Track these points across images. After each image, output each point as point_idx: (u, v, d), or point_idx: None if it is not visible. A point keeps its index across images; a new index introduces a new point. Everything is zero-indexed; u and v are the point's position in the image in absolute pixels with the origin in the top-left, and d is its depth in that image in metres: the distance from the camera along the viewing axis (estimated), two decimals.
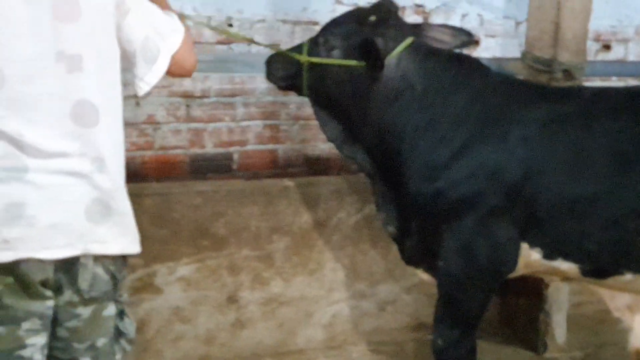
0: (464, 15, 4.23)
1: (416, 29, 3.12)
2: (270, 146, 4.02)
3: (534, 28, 3.68)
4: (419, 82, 2.98)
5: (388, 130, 3.02)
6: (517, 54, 3.94)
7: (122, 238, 2.21)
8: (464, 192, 2.88)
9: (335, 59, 3.02)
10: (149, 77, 2.24)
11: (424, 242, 3.07)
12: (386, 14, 3.04)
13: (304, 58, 3.06)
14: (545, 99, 2.97)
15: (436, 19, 4.11)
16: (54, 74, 2.06)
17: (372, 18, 3.01)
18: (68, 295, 2.16)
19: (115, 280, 2.24)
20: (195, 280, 3.71)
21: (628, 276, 2.88)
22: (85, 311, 2.20)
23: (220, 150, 3.93)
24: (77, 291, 2.16)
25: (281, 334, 3.91)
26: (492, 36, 4.31)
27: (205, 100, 3.84)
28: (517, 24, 4.35)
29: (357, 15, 3.07)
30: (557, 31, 3.55)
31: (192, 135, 3.88)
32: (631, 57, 4.64)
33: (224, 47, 3.84)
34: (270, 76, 3.23)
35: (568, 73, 3.52)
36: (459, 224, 2.91)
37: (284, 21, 3.89)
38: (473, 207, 2.88)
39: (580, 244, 2.86)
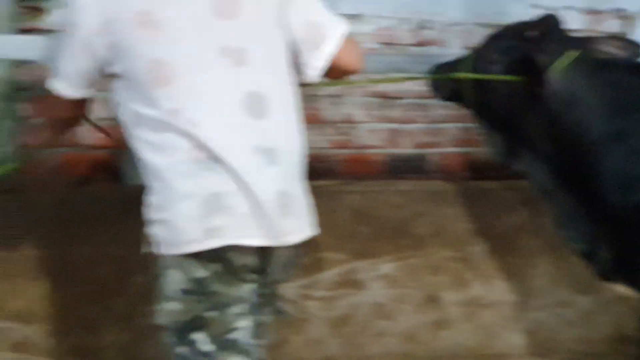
0: None
1: (582, 42, 3.04)
2: (465, 149, 4.03)
3: None
4: (592, 94, 2.90)
5: (566, 144, 2.95)
6: None
7: (304, 225, 2.30)
8: None
9: (495, 75, 2.99)
10: (317, 62, 2.31)
11: (626, 256, 2.95)
12: (549, 28, 3.00)
13: (462, 75, 3.04)
14: None
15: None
16: (221, 68, 2.15)
17: (534, 33, 2.97)
18: (259, 276, 2.28)
19: (298, 263, 2.38)
20: (396, 278, 3.74)
21: None
22: (265, 290, 2.35)
23: (415, 151, 3.97)
24: (266, 274, 2.29)
25: (481, 337, 3.86)
26: None
27: (401, 101, 3.91)
28: None
29: (518, 30, 3.03)
30: None
31: (387, 135, 3.94)
32: None
33: (419, 48, 3.90)
34: (433, 90, 3.23)
35: None
36: None
37: (479, 24, 3.93)
38: None
39: None
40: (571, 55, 2.91)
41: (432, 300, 3.78)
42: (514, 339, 3.90)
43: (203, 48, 2.14)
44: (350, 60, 2.37)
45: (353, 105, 3.81)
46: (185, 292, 2.19)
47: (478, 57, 3.08)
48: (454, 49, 3.93)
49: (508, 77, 2.95)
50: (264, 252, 2.22)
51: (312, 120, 3.76)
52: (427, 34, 3.89)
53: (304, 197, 2.31)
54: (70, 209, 3.22)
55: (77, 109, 2.46)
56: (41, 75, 3.38)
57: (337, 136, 3.82)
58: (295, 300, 3.59)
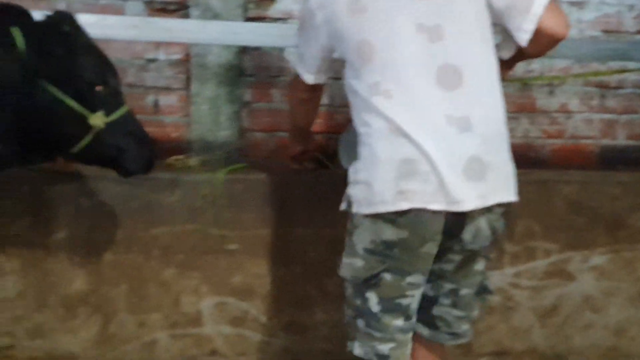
0: None
1: None
2: None
3: None
4: None
5: None
6: None
7: (498, 190, 2.32)
8: None
9: None
10: (526, 24, 2.34)
11: None
12: None
13: None
14: None
15: None
16: (416, 43, 2.29)
17: None
18: (450, 242, 2.36)
19: (495, 234, 2.39)
20: (609, 270, 3.66)
21: None
22: (458, 258, 2.40)
23: (633, 142, 3.85)
24: (459, 241, 2.35)
25: None
26: None
27: (621, 91, 3.79)
28: None
29: None
30: None
31: (603, 125, 3.84)
32: None
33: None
34: None
35: None
36: None
37: None
38: None
39: None
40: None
41: None
42: None
43: (398, 26, 2.30)
44: (556, 25, 2.38)
45: (569, 94, 3.74)
46: (370, 251, 2.35)
47: None
48: None
49: None
50: (454, 218, 2.31)
51: (527, 109, 3.74)
52: None
53: (503, 163, 2.35)
54: (289, 192, 3.37)
55: (314, 93, 2.75)
56: (265, 61, 3.57)
57: (551, 126, 3.76)
58: (503, 288, 3.61)
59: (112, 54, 2.70)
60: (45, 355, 3.28)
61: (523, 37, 2.38)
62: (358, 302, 2.43)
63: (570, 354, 3.71)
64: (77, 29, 2.56)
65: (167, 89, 3.40)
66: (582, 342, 3.70)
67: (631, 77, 3.80)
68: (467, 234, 2.35)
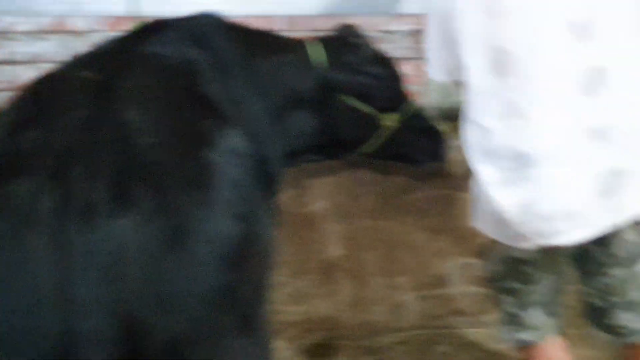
0: None
1: None
2: None
3: None
4: None
5: None
6: None
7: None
8: None
9: None
10: None
11: None
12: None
13: None
14: None
15: None
16: (563, 44, 2.04)
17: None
18: (599, 257, 2.23)
19: None
20: None
21: None
22: (619, 271, 2.23)
23: None
24: (609, 255, 2.21)
25: None
26: None
27: None
28: None
29: None
30: None
31: None
32: None
33: None
34: None
35: None
36: None
37: None
38: None
39: None
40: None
41: None
42: None
43: (546, 22, 2.06)
44: None
45: None
46: (502, 261, 2.32)
47: None
48: None
49: None
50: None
51: None
52: None
53: None
54: None
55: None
56: None
57: None
58: None
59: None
60: (304, 319, 3.42)
61: None
62: (500, 302, 2.42)
63: None
64: (363, 39, 2.72)
65: (405, 59, 3.45)
66: None
67: None
68: (614, 248, 2.21)
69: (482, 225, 2.25)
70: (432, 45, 2.30)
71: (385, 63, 2.74)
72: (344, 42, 2.66)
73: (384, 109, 2.67)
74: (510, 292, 2.35)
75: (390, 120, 2.68)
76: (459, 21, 2.15)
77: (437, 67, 2.30)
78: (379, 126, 2.67)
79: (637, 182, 2.09)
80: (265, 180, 2.17)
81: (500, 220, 2.15)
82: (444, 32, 2.22)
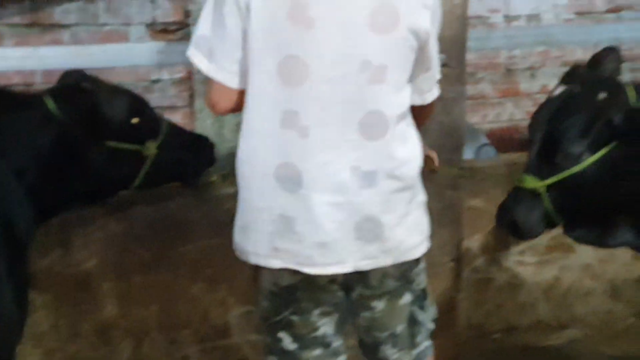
0: None
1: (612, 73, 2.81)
2: None
3: None
4: None
5: None
6: None
7: (396, 250, 2.18)
8: None
9: (596, 155, 2.62)
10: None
11: None
12: (610, 83, 2.73)
13: (540, 184, 2.66)
14: None
15: None
16: (355, 82, 2.05)
17: (602, 95, 2.65)
18: (359, 290, 2.25)
19: (406, 276, 2.27)
20: None
21: None
22: (379, 304, 2.27)
23: None
24: (368, 287, 2.24)
25: None
26: None
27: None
28: None
29: (584, 102, 2.68)
30: None
31: None
32: None
33: (613, 15, 3.97)
34: (526, 235, 2.81)
35: None
36: None
37: None
38: None
39: None
40: (631, 88, 2.68)
41: (638, 258, 3.89)
42: None
43: (345, 58, 2.05)
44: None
45: (549, 76, 3.91)
46: (273, 294, 2.26)
47: (551, 162, 2.67)
48: None
49: (602, 152, 2.60)
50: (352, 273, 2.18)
51: (511, 93, 3.91)
52: (621, 0, 3.93)
53: (407, 220, 2.19)
54: None
55: None
56: None
57: (534, 107, 3.92)
58: (510, 267, 3.77)
59: (117, 79, 2.82)
60: None
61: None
62: (272, 344, 2.32)
63: (573, 321, 3.89)
64: (94, 81, 2.68)
65: (172, 108, 3.43)
66: (583, 309, 3.90)
67: None
68: (373, 280, 2.23)
69: (243, 242, 2.21)
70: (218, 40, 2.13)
71: (126, 96, 2.72)
72: (76, 89, 2.62)
73: (143, 140, 2.67)
74: (286, 326, 2.27)
75: (151, 149, 2.68)
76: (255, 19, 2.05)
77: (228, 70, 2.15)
78: (144, 157, 2.66)
79: (394, 231, 2.16)
80: (11, 245, 2.03)
81: (261, 232, 2.14)
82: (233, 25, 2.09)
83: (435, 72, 2.27)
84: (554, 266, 3.83)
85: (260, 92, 2.09)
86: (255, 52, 2.06)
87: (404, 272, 2.25)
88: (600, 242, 2.84)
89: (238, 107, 2.18)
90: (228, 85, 2.14)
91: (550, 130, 2.67)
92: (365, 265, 2.16)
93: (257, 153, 2.13)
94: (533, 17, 3.83)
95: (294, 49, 2.04)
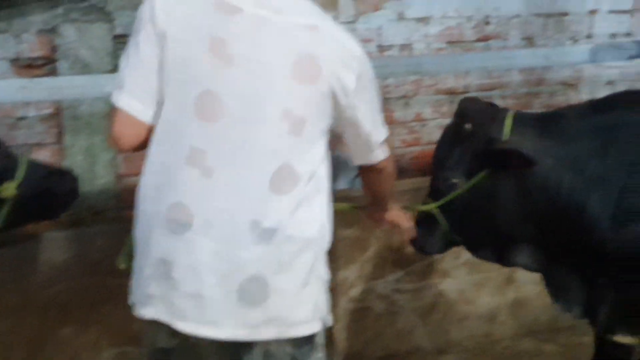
0: None
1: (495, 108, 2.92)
2: None
3: None
4: (551, 152, 2.73)
5: (550, 213, 2.75)
6: None
7: (282, 321, 1.99)
8: None
9: (468, 183, 2.79)
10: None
11: (628, 301, 2.80)
12: (476, 113, 2.85)
13: (433, 207, 2.85)
14: None
15: None
16: (273, 130, 1.96)
17: (468, 127, 2.81)
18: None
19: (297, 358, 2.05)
20: (478, 263, 3.93)
21: None
22: None
23: None
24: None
25: (554, 312, 4.07)
26: None
27: (467, 95, 4.07)
28: None
29: (451, 137, 2.88)
30: None
31: None
32: None
33: (482, 44, 4.06)
34: (424, 251, 3.08)
35: None
36: None
37: (537, 15, 4.09)
38: None
39: None
40: (510, 117, 2.80)
41: (510, 281, 3.99)
42: None
43: (265, 102, 1.96)
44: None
45: (423, 104, 3.97)
46: (150, 355, 2.12)
47: (436, 189, 2.89)
48: (513, 41, 4.09)
49: (474, 181, 2.78)
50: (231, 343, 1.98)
51: (385, 122, 3.93)
52: (489, 30, 4.02)
53: (301, 290, 2.01)
54: None
55: None
56: None
57: (409, 135, 3.98)
58: (387, 295, 3.80)
59: None
60: None
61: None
62: None
63: (450, 346, 3.95)
64: None
65: (40, 145, 3.31)
66: (460, 333, 3.96)
67: (475, 82, 4.07)
68: (255, 356, 2.02)
69: (131, 286, 2.05)
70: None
71: None
72: None
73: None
74: None
75: (10, 189, 2.55)
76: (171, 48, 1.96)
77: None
78: (2, 200, 2.55)
79: (281, 299, 1.97)
80: None
81: (140, 276, 2.00)
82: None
83: (372, 133, 2.20)
84: (431, 292, 3.87)
85: (171, 124, 1.96)
86: (171, 83, 1.96)
87: (291, 355, 2.02)
88: (500, 261, 3.00)
89: (144, 144, 2.02)
90: (138, 118, 1.99)
91: (435, 159, 2.92)
92: (243, 335, 1.95)
93: (153, 189, 1.99)
94: (405, 47, 3.85)
95: (212, 84, 1.95)
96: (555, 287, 2.96)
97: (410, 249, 3.69)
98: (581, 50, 3.85)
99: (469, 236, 2.94)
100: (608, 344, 3.01)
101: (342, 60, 2.03)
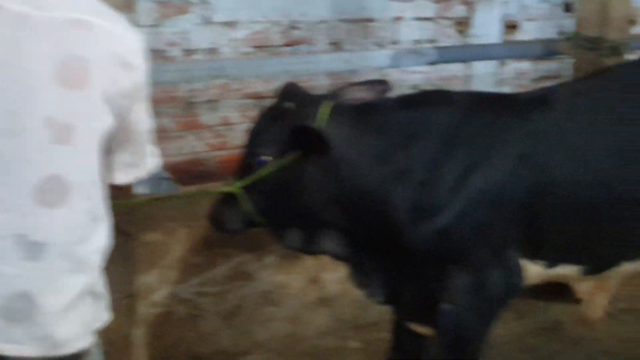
0: (505, 2, 4.56)
1: (331, 97, 2.95)
2: None
3: (583, 10, 4.04)
4: (359, 140, 2.81)
5: (356, 200, 2.83)
6: (552, 35, 4.30)
7: (45, 340, 1.90)
8: (470, 225, 2.75)
9: (271, 166, 2.80)
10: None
11: (424, 292, 2.92)
12: (297, 96, 2.89)
13: (235, 188, 2.85)
14: (524, 110, 2.87)
15: (481, 8, 4.44)
16: (33, 140, 1.84)
17: (289, 105, 2.84)
18: None
19: None
20: (282, 265, 4.01)
21: (625, 266, 2.94)
22: None
23: None
24: None
25: (357, 310, 4.21)
26: (531, 20, 4.66)
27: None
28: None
29: (271, 114, 2.90)
30: (605, 11, 3.88)
31: None
32: None
33: (289, 48, 4.12)
34: (221, 229, 3.05)
35: (615, 49, 3.84)
36: (468, 259, 2.78)
37: (343, 20, 4.17)
38: (483, 239, 2.77)
39: (586, 247, 2.84)
40: (327, 106, 2.82)
41: (314, 281, 4.07)
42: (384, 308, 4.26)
43: (26, 111, 1.83)
44: None
45: (229, 108, 3.98)
46: None
47: (247, 164, 2.88)
48: (321, 46, 4.16)
49: (285, 160, 2.79)
50: None
51: (191, 126, 3.94)
52: (296, 34, 4.07)
53: (73, 310, 1.93)
54: None
55: None
56: None
57: (215, 139, 3.99)
58: (190, 299, 3.80)
59: None
60: None
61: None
62: None
63: (255, 347, 4.00)
64: None
65: None
66: (264, 334, 4.01)
67: None
68: None
69: None
70: None
71: None
72: None
73: None
74: None
75: None
76: None
77: None
78: None
79: (47, 318, 1.88)
80: None
81: None
82: None
83: (143, 143, 2.10)
84: (235, 295, 3.90)
85: None
86: None
87: None
88: (305, 248, 3.01)
89: None
90: None
91: (249, 135, 2.88)
92: (9, 350, 1.85)
93: None
94: (212, 51, 3.84)
95: None
96: (360, 275, 3.02)
97: (214, 252, 3.77)
98: (382, 55, 3.94)
99: (275, 218, 2.93)
100: (403, 333, 3.19)
101: (118, 60, 1.91)
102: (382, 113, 2.86)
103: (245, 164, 2.87)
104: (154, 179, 3.65)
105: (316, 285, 4.10)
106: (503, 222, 2.76)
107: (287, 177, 2.80)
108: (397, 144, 2.79)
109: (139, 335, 3.64)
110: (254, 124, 2.91)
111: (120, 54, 1.92)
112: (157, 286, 3.70)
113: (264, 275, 3.98)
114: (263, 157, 2.79)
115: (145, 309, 3.67)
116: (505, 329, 4.18)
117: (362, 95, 2.99)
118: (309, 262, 4.01)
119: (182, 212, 3.67)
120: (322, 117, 2.79)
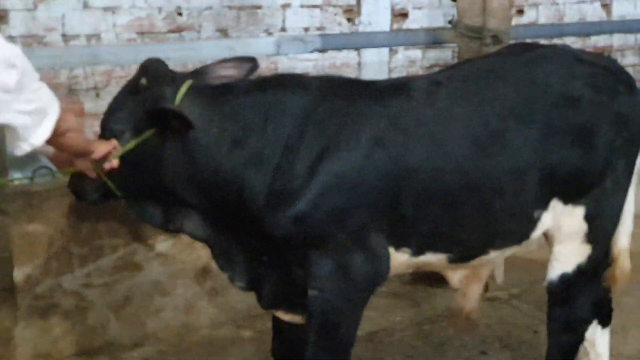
0: None
1: (195, 75, 2.95)
2: None
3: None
4: (217, 122, 2.80)
5: (213, 182, 2.82)
6: (442, 24, 4.36)
7: None
8: (327, 210, 2.74)
9: (134, 140, 2.79)
10: None
11: (288, 278, 2.92)
12: (156, 72, 2.86)
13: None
14: (382, 96, 2.87)
15: None
16: None
17: (143, 81, 2.82)
18: None
19: None
20: (172, 255, 3.96)
21: (492, 254, 2.99)
22: None
23: None
24: None
25: (251, 299, 4.17)
26: (419, 8, 4.71)
27: None
28: None
29: (128, 88, 2.88)
30: (485, 1, 3.94)
31: None
32: (542, 20, 5.14)
33: (176, 35, 4.06)
34: (80, 198, 3.06)
35: (496, 38, 3.90)
36: (328, 245, 2.77)
37: (230, 7, 4.15)
38: (341, 224, 2.75)
39: (450, 235, 2.87)
40: (187, 84, 2.81)
41: (206, 271, 4.03)
42: None
43: None
44: None
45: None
46: None
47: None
48: (207, 33, 4.12)
49: (142, 137, 2.78)
50: None
51: (75, 114, 3.84)
52: (181, 21, 4.03)
53: None
54: None
55: None
56: None
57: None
58: (76, 291, 3.72)
59: None
60: None
61: None
62: None
63: (146, 338, 3.94)
64: None
65: None
66: (156, 325, 3.95)
67: None
68: None
69: None
70: None
71: None
72: None
73: None
74: None
75: None
76: None
77: None
78: None
79: None
80: None
81: None
82: None
83: None
84: (123, 286, 3.83)
85: None
86: None
87: None
88: (164, 225, 2.99)
89: None
90: None
91: (106, 110, 2.91)
92: None
93: None
94: (93, 37, 3.76)
95: None
96: (222, 259, 3.00)
97: (100, 243, 3.70)
98: (266, 42, 3.94)
99: (132, 192, 2.92)
100: (283, 321, 3.15)
101: None
102: (237, 95, 2.84)
103: (102, 138, 2.87)
104: (30, 168, 3.55)
105: (208, 274, 4.05)
106: (362, 207, 2.76)
107: (143, 153, 2.79)
108: (251, 127, 2.78)
109: (21, 330, 3.55)
110: (113, 98, 2.92)
111: None
112: (39, 278, 3.60)
113: (154, 265, 3.93)
114: (121, 132, 2.80)
115: (28, 303, 3.58)
116: (402, 315, 4.26)
117: (229, 73, 2.98)
118: (200, 252, 3.96)
119: (63, 203, 3.59)
120: (178, 96, 2.77)
